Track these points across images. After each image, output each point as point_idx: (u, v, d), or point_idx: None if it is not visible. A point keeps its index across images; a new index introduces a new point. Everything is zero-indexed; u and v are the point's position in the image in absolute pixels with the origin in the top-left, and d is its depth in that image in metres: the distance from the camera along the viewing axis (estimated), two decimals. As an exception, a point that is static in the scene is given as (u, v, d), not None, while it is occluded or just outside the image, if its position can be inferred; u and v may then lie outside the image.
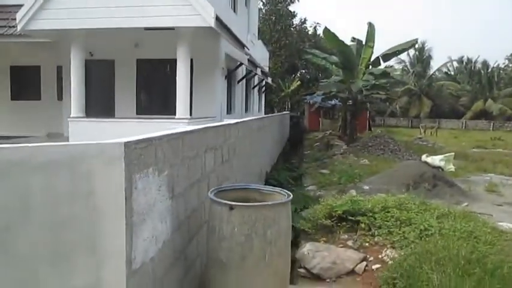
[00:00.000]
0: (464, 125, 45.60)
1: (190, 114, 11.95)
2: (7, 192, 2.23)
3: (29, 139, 13.02)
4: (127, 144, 2.63)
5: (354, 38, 18.69)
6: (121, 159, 2.54)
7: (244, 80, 16.23)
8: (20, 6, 11.60)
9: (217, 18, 8.98)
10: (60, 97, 14.10)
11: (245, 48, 13.26)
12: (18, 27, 9.59)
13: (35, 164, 2.27)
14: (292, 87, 32.98)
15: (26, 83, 14.83)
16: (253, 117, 10.40)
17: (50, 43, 11.78)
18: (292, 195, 3.45)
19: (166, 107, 12.08)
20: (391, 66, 43.43)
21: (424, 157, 10.12)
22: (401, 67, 50.23)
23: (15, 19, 11.32)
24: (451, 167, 10.08)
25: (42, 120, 14.27)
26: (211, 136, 5.01)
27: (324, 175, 11.00)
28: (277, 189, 3.87)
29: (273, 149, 15.30)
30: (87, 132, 10.04)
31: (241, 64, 13.84)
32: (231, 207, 3.18)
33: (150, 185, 3.04)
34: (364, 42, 17.60)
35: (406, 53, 46.48)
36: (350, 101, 18.90)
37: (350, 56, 16.54)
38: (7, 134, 13.64)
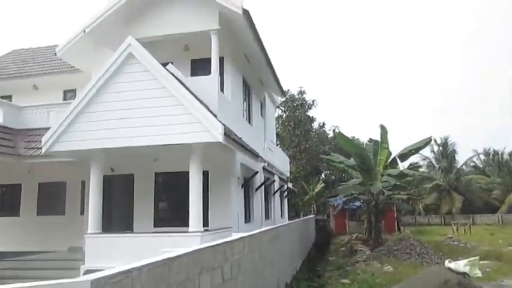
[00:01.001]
0: (500, 219, 43.54)
1: (207, 226, 12.00)
2: None
3: (51, 254, 13.21)
4: (96, 281, 2.67)
5: (371, 139, 19.05)
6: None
7: (263, 187, 16.40)
8: (47, 128, 12.63)
9: (226, 133, 9.40)
10: (82, 211, 14.49)
11: (259, 157, 13.61)
12: (43, 150, 10.26)
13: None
14: (316, 190, 32.91)
15: (52, 199, 15.41)
16: (265, 228, 10.34)
17: (74, 160, 12.48)
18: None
19: (183, 219, 12.18)
20: (416, 163, 43.13)
21: (447, 263, 9.59)
22: (426, 163, 49.86)
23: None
24: (477, 273, 9.44)
25: (66, 234, 14.54)
26: (208, 256, 4.99)
27: (345, 286, 10.51)
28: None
29: (294, 256, 14.88)
30: (104, 248, 10.14)
31: (256, 173, 14.11)
32: None
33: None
34: (380, 143, 17.86)
35: (430, 149, 46.48)
36: (373, 203, 18.64)
37: (366, 159, 16.69)
38: (32, 249, 13.89)
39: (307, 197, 32.66)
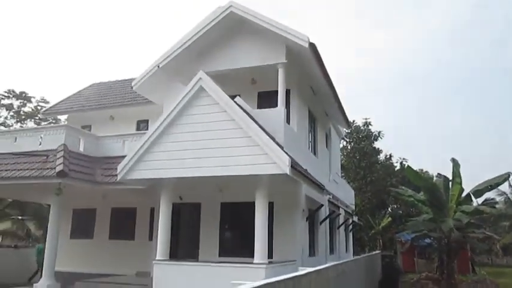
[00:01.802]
0: None
1: (271, 258, 11.93)
2: None
3: (120, 278, 13.74)
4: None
5: (439, 174, 18.14)
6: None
7: (327, 221, 16.11)
8: (122, 157, 13.34)
9: (293, 165, 9.42)
10: (151, 237, 15.00)
11: (324, 189, 13.44)
12: (118, 177, 10.84)
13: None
14: (382, 224, 31.72)
15: (123, 224, 16.12)
16: (332, 263, 10.07)
17: (145, 188, 13.03)
18: None
19: (248, 250, 12.21)
20: (492, 199, 40.21)
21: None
22: (503, 199, 46.38)
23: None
24: None
25: (134, 259, 15.09)
26: (276, 291, 4.95)
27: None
28: None
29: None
30: (171, 275, 10.39)
31: (321, 206, 13.91)
32: None
33: None
34: (451, 178, 16.95)
35: (507, 183, 43.28)
36: (445, 240, 17.59)
37: (437, 194, 15.88)
38: (103, 272, 14.55)
39: (372, 231, 31.54)
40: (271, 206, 12.58)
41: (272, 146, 9.44)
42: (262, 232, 9.96)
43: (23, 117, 26.10)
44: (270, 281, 4.86)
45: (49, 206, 27.06)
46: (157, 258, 10.65)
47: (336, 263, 10.65)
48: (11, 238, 27.90)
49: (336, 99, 15.56)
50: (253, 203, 12.16)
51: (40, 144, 13.22)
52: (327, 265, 9.14)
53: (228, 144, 9.86)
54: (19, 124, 26.34)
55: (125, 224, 16.04)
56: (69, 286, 12.71)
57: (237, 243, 12.78)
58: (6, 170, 12.29)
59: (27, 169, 11.96)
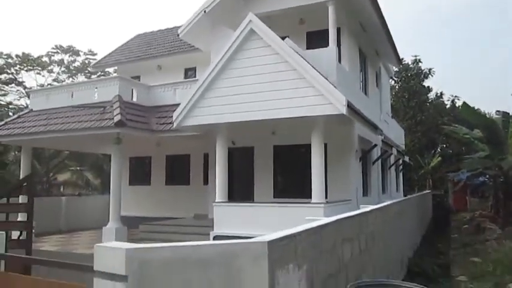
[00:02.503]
0: None
1: (326, 198, 12.08)
2: (170, 285, 2.56)
3: (179, 220, 14.43)
4: (270, 243, 2.84)
5: (498, 111, 17.39)
6: (265, 257, 2.74)
7: (379, 161, 15.97)
8: (174, 105, 13.56)
9: (349, 105, 9.26)
10: (205, 182, 15.50)
11: (378, 129, 13.21)
12: (174, 125, 11.08)
13: (194, 260, 2.59)
14: (432, 164, 31.12)
15: (178, 170, 16.71)
16: (392, 201, 10.06)
17: (195, 135, 13.26)
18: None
19: (302, 191, 12.40)
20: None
21: None
22: None
23: (170, 117, 13.18)
24: None
25: (190, 202, 15.73)
26: (347, 227, 5.04)
27: (476, 264, 9.91)
28: (419, 286, 3.68)
29: (414, 232, 14.37)
30: (230, 216, 10.78)
31: (375, 146, 13.75)
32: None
33: (290, 280, 3.19)
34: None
35: None
36: (501, 178, 17.12)
37: (496, 131, 15.29)
38: (162, 216, 15.32)
39: (422, 171, 31.05)
40: (324, 147, 12.60)
41: (328, 86, 9.27)
42: (319, 173, 10.02)
43: (74, 72, 26.82)
44: (340, 216, 4.92)
45: (105, 156, 28.42)
46: (216, 200, 11.01)
47: (395, 201, 10.64)
48: (72, 188, 29.72)
49: (388, 35, 14.89)
50: (306, 145, 12.19)
51: (95, 96, 13.60)
52: (388, 202, 9.15)
53: (282, 86, 9.76)
54: (70, 79, 27.18)
55: (179, 170, 16.61)
56: (134, 229, 13.46)
57: (290, 185, 12.98)
58: (67, 123, 12.82)
59: (87, 121, 12.42)
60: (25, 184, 7.83)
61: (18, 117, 14.80)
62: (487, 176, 20.17)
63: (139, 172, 17.40)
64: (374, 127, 12.53)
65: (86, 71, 26.88)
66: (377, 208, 7.16)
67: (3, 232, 3.52)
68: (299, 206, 10.15)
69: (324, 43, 11.84)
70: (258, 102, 9.99)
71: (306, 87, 9.50)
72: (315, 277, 3.64)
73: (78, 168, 29.88)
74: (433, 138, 32.29)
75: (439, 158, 31.55)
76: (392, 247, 8.76)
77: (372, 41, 15.66)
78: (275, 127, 12.52)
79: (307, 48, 12.82)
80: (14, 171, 23.17)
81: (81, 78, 26.47)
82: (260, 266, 2.68)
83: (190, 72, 17.35)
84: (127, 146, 15.75)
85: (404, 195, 22.42)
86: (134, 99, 13.64)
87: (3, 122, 14.93)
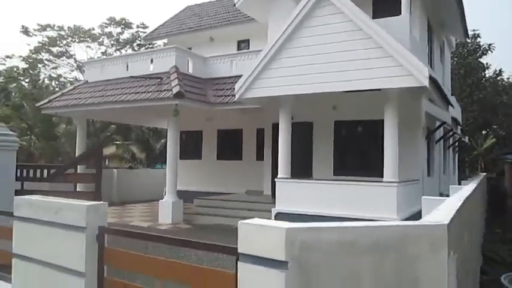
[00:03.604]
0: None
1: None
2: (337, 274, 2.11)
3: (233, 196, 14.17)
4: (449, 226, 2.34)
5: None
6: (444, 243, 2.25)
7: (441, 140, 15.08)
8: (231, 77, 13.12)
9: (431, 77, 8.51)
10: (258, 157, 15.13)
11: (450, 105, 12.35)
12: (236, 96, 10.63)
13: (364, 245, 2.12)
14: (485, 145, 29.61)
15: (229, 145, 16.38)
16: (473, 184, 9.35)
17: (251, 109, 12.79)
18: None
19: (365, 169, 11.81)
20: None
21: None
22: None
23: (228, 89, 12.75)
24: None
25: (243, 178, 15.43)
26: (469, 207, 4.48)
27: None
28: None
29: (479, 217, 13.57)
30: (292, 193, 10.34)
31: (444, 123, 12.90)
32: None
33: (452, 270, 2.66)
34: None
35: None
36: None
37: None
38: (213, 190, 15.11)
39: (475, 152, 29.61)
40: (390, 124, 11.90)
41: (409, 56, 8.53)
42: (392, 150, 9.37)
43: (122, 44, 26.77)
44: (462, 196, 4.36)
45: (149, 130, 28.52)
46: (279, 176, 10.59)
47: (474, 184, 9.89)
48: (118, 161, 30.13)
49: (458, 2, 13.76)
50: (370, 121, 11.60)
51: (151, 67, 13.32)
52: (473, 185, 8.45)
53: (355, 56, 9.09)
54: (118, 52, 27.15)
55: (231, 145, 16.27)
56: (185, 203, 13.24)
57: (351, 163, 12.38)
58: (124, 94, 12.62)
59: (144, 92, 12.16)
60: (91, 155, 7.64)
61: (74, 88, 14.78)
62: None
63: (190, 146, 17.18)
64: (446, 103, 11.68)
65: (135, 44, 26.77)
66: (471, 192, 6.52)
67: (106, 202, 3.17)
68: (370, 185, 9.58)
69: (392, 11, 10.99)
70: (328, 73, 9.37)
71: (383, 57, 8.79)
72: (461, 265, 3.13)
73: (124, 142, 30.22)
74: (489, 119, 30.59)
75: (493, 139, 29.96)
76: (472, 234, 8.12)
77: (441, 10, 14.56)
78: (337, 101, 11.91)
79: (373, 18, 12.01)
80: (63, 144, 23.58)
81: (129, 51, 26.44)
82: (438, 253, 2.19)
83: (243, 45, 16.81)
84: (178, 119, 15.57)
85: (458, 178, 21.40)
86: (190, 71, 13.26)
87: (59, 93, 14.96)
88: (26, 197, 3.39)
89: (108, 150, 31.51)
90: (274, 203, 10.58)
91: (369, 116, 11.74)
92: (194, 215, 12.84)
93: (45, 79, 27.43)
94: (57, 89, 26.27)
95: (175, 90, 11.37)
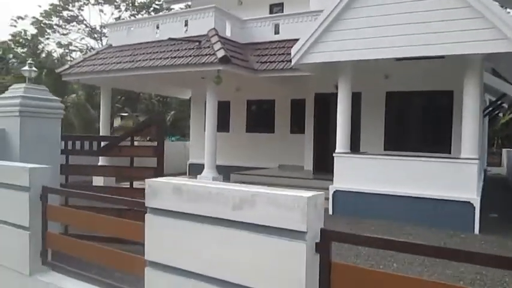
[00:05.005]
0: None
1: (449, 152, 10.63)
2: None
3: (268, 170, 13.33)
4: None
5: None
6: None
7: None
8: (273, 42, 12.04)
9: (530, 41, 7.53)
10: (293, 130, 14.24)
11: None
12: (293, 62, 9.60)
13: None
14: (503, 121, 29.01)
15: (261, 117, 15.35)
16: None
17: (294, 77, 11.76)
18: None
19: (424, 144, 10.98)
20: None
21: None
22: None
23: (272, 55, 11.68)
24: None
25: (275, 152, 14.56)
26: None
27: None
28: None
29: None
30: (353, 170, 9.49)
31: (504, 95, 12.01)
32: None
33: None
34: None
35: None
36: None
37: None
38: (243, 165, 14.21)
39: (494, 127, 28.93)
40: (450, 95, 11.01)
41: (505, 17, 7.51)
42: (472, 124, 8.48)
43: (138, 9, 25.15)
44: None
45: (158, 102, 27.32)
46: (337, 151, 9.69)
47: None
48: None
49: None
50: (421, 92, 10.78)
51: (184, 30, 12.18)
52: None
53: (436, 17, 8.04)
54: (132, 18, 25.55)
55: (263, 116, 15.27)
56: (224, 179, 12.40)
57: (405, 137, 11.51)
58: (158, 59, 11.51)
59: (183, 56, 11.07)
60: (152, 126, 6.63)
61: (97, 53, 13.60)
62: None
63: (219, 118, 16.14)
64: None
65: (151, 9, 25.18)
66: None
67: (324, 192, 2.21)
68: (445, 161, 8.72)
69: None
70: (403, 36, 8.34)
71: (472, 17, 7.77)
72: None
73: (132, 113, 29.10)
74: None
75: (511, 115, 29.25)
76: None
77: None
78: (391, 70, 10.96)
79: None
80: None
81: (146, 15, 24.84)
82: None
83: (276, 9, 15.52)
84: (203, 89, 14.56)
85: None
86: (228, 34, 12.13)
87: (81, 59, 13.78)
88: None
89: (116, 122, 30.39)
90: (318, 178, 9.73)
91: (426, 87, 10.86)
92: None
93: (47, 46, 25.92)
94: (67, 58, 24.86)
95: (219, 54, 10.29)
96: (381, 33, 8.58)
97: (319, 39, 9.22)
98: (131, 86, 16.71)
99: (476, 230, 8.13)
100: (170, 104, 31.10)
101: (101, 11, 24.75)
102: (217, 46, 10.60)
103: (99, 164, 11.60)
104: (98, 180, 11.62)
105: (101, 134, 13.64)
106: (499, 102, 13.78)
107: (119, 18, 24.65)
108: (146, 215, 2.39)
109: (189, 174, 16.05)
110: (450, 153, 10.65)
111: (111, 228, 2.99)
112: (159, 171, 6.34)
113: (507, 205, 11.41)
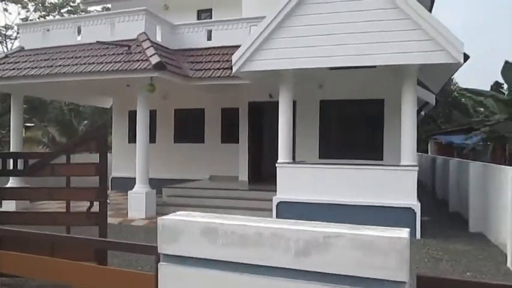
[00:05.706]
0: None
1: (381, 159, 10.94)
2: None
3: (199, 182, 12.77)
4: None
5: (507, 62, 16.67)
6: None
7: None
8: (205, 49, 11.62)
9: (464, 54, 7.93)
10: (224, 140, 13.90)
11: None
12: (234, 70, 9.21)
13: None
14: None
15: (189, 126, 14.74)
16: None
17: (218, 86, 11.42)
18: None
19: (353, 152, 11.16)
20: None
21: None
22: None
23: (207, 62, 11.24)
24: None
25: (205, 163, 14.10)
26: None
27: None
28: None
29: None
30: (295, 180, 9.34)
31: (426, 104, 12.72)
32: None
33: None
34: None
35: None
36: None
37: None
38: (171, 177, 13.51)
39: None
40: (381, 103, 11.38)
41: (443, 30, 7.82)
42: (411, 132, 8.72)
43: (49, 9, 22.94)
44: None
45: (70, 110, 25.36)
46: (280, 161, 9.46)
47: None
48: (36, 145, 26.50)
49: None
50: (357, 100, 11.10)
51: (109, 33, 11.26)
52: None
53: (376, 28, 8.17)
54: (41, 19, 23.33)
55: (191, 126, 14.68)
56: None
57: (339, 145, 11.67)
58: (82, 64, 10.47)
59: (111, 62, 10.17)
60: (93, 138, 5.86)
61: (6, 56, 12.09)
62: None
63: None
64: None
65: (64, 10, 23.19)
66: None
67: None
68: (386, 169, 8.89)
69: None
70: (347, 45, 8.38)
71: (411, 29, 8.00)
72: None
73: (41, 123, 26.66)
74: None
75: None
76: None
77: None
78: (325, 79, 11.09)
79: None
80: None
81: (58, 17, 22.80)
82: None
83: (204, 15, 15.06)
84: (126, 97, 13.74)
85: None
86: (158, 39, 11.44)
87: (-15, 62, 12.14)
88: None
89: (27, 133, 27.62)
90: (255, 189, 9.53)
91: (359, 96, 11.16)
92: (165, 207, 11.20)
93: None
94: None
95: (154, 60, 9.60)
96: (318, 43, 8.55)
97: (261, 47, 8.97)
98: (46, 94, 15.19)
99: (418, 235, 8.37)
100: (83, 113, 29.09)
101: (6, 10, 22.35)
102: (150, 52, 9.90)
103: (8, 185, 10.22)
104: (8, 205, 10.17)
105: (12, 149, 12.12)
106: (421, 111, 14.61)
107: (26, 19, 22.44)
108: (159, 264, 1.87)
109: (111, 189, 14.90)
110: (382, 159, 10.97)
111: (115, 282, 2.42)
112: (101, 192, 5.58)
113: (430, 206, 12.04)
